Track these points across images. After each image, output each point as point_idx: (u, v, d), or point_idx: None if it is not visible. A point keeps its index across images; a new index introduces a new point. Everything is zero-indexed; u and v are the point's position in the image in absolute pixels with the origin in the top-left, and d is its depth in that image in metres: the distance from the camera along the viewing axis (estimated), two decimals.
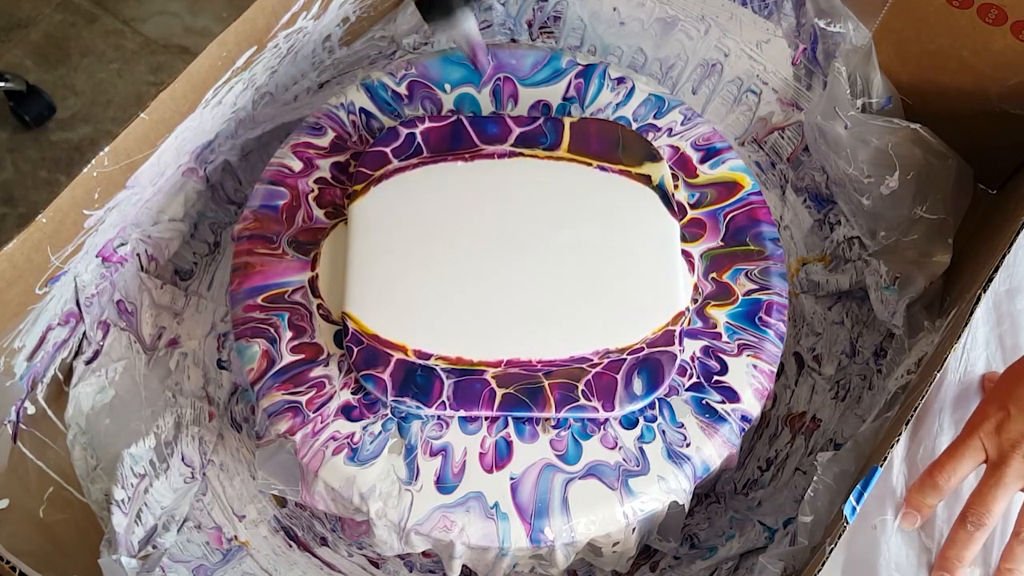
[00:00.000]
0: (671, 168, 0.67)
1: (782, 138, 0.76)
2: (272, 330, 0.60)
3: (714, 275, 0.63)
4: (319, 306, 0.61)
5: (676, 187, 0.66)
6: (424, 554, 0.65)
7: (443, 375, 0.57)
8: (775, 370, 0.61)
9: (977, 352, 0.58)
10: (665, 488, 0.56)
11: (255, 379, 0.59)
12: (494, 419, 0.58)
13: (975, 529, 0.51)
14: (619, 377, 0.58)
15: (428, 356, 0.58)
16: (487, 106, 0.69)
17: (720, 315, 0.62)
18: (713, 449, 0.58)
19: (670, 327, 0.59)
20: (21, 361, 0.59)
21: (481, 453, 0.57)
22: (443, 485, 0.56)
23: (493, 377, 0.58)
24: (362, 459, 0.56)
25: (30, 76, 1.24)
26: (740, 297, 0.63)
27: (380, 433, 0.57)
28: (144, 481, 0.61)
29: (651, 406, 0.58)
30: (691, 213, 0.66)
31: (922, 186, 0.67)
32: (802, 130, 0.75)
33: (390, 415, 0.58)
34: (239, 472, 0.66)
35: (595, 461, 0.57)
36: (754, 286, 0.63)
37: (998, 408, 0.52)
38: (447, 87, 0.70)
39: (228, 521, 0.64)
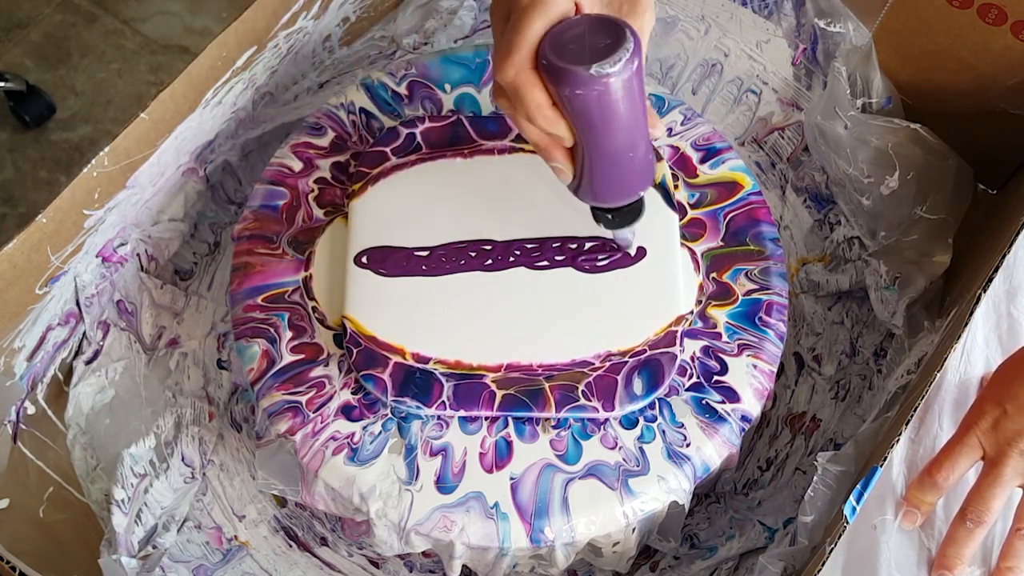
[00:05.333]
0: (671, 168, 0.67)
1: (782, 138, 0.76)
2: (272, 330, 0.60)
3: (714, 275, 0.63)
4: (314, 308, 0.61)
5: (676, 187, 0.66)
6: (424, 554, 0.65)
7: (442, 379, 0.57)
8: (775, 370, 0.61)
9: (977, 352, 0.58)
10: (665, 488, 0.56)
11: (255, 379, 0.59)
12: (494, 419, 0.58)
13: (974, 526, 0.51)
14: (619, 377, 0.58)
15: (427, 360, 0.58)
16: (487, 106, 0.69)
17: (720, 315, 0.62)
18: (713, 449, 0.58)
19: (672, 328, 0.59)
20: (21, 361, 0.59)
21: (481, 453, 0.57)
22: (443, 485, 0.56)
23: (493, 381, 0.58)
24: (362, 459, 0.56)
25: (30, 76, 1.24)
26: (740, 297, 0.63)
27: (380, 433, 0.57)
28: (144, 481, 0.61)
29: (651, 406, 0.58)
30: (691, 213, 0.66)
31: (922, 186, 0.67)
32: (802, 130, 0.75)
33: (390, 415, 0.58)
34: (239, 472, 0.66)
35: (595, 461, 0.57)
36: (754, 286, 0.63)
37: (994, 405, 0.52)
38: (447, 87, 0.70)
39: (228, 521, 0.64)
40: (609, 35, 0.46)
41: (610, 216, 0.56)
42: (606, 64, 0.45)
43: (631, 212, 0.56)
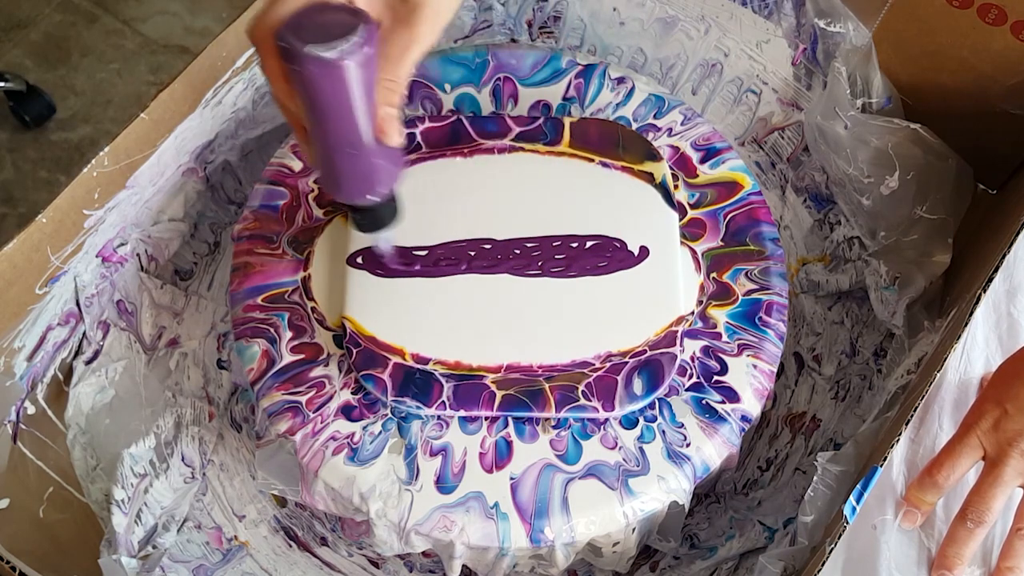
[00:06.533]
0: (671, 168, 0.67)
1: (782, 138, 0.76)
2: (272, 330, 0.60)
3: (714, 275, 0.63)
4: (313, 309, 0.61)
5: (676, 187, 0.66)
6: (424, 554, 0.65)
7: (442, 380, 0.57)
8: (775, 370, 0.61)
9: (977, 352, 0.58)
10: (665, 488, 0.56)
11: (255, 379, 0.59)
12: (494, 419, 0.58)
13: (975, 526, 0.51)
14: (619, 378, 0.58)
15: (426, 360, 0.58)
16: (487, 106, 0.69)
17: (720, 315, 0.62)
18: (713, 449, 0.58)
19: (672, 328, 0.59)
20: (21, 361, 0.59)
21: (481, 453, 0.57)
22: (443, 485, 0.56)
23: (493, 382, 0.58)
24: (362, 459, 0.56)
25: (30, 76, 1.24)
26: (740, 297, 0.63)
27: (380, 433, 0.57)
28: (144, 481, 0.61)
29: (651, 406, 0.58)
30: (691, 213, 0.66)
31: (922, 186, 0.67)
32: (802, 130, 0.75)
33: (390, 415, 0.58)
34: (239, 472, 0.66)
35: (595, 461, 0.57)
36: (754, 286, 0.63)
37: (995, 405, 0.52)
38: (447, 87, 0.70)
39: (228, 521, 0.64)
40: (347, 26, 0.46)
41: (356, 217, 0.56)
42: (321, 48, 0.45)
43: (373, 217, 0.55)
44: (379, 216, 0.56)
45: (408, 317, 0.59)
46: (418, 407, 0.57)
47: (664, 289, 0.61)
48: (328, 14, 0.46)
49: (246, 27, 0.48)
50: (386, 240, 0.59)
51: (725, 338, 0.61)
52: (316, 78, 0.46)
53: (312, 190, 0.65)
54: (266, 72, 0.48)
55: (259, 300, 0.61)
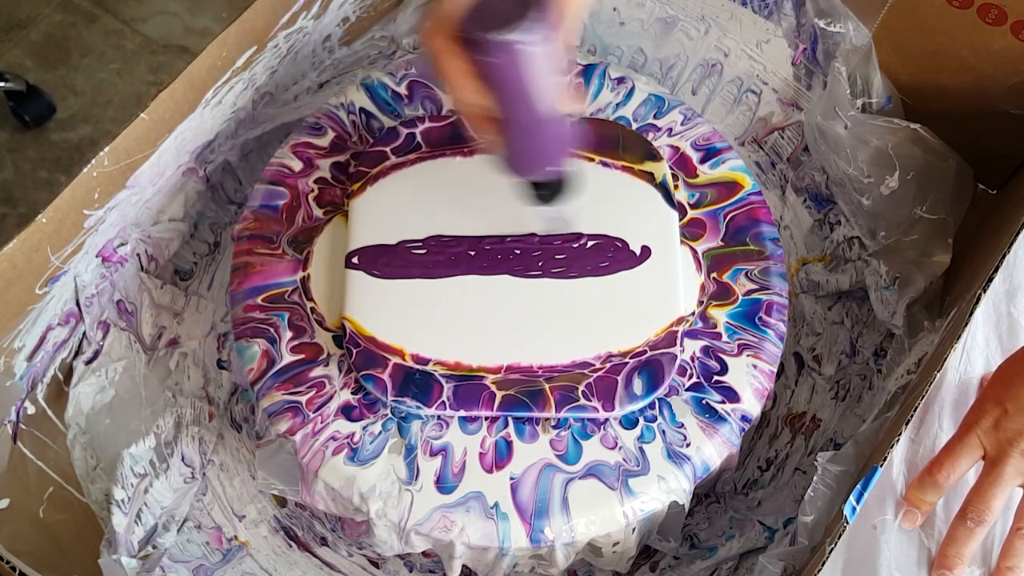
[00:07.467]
0: (671, 168, 0.67)
1: (782, 138, 0.76)
2: (272, 330, 0.60)
3: (714, 275, 0.63)
4: (312, 309, 0.61)
5: (676, 187, 0.66)
6: (424, 554, 0.65)
7: (442, 380, 0.57)
8: (775, 370, 0.61)
9: (977, 352, 0.58)
10: (665, 488, 0.56)
11: (255, 379, 0.59)
12: (494, 419, 0.58)
13: (975, 525, 0.51)
14: (619, 378, 0.58)
15: (426, 361, 0.58)
16: None
17: (720, 315, 0.62)
18: (713, 449, 0.58)
19: (673, 328, 0.59)
20: (21, 361, 0.59)
21: (481, 453, 0.57)
22: (443, 485, 0.56)
23: (493, 382, 0.57)
24: (362, 459, 0.56)
25: (30, 76, 1.24)
26: (740, 297, 0.63)
27: (380, 433, 0.57)
28: (144, 481, 0.61)
29: (651, 406, 0.58)
30: (691, 213, 0.66)
31: (922, 186, 0.67)
32: (802, 130, 0.75)
33: (390, 415, 0.58)
34: (239, 472, 0.66)
35: (595, 461, 0.57)
36: (754, 286, 0.63)
37: (995, 405, 0.52)
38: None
39: (228, 521, 0.64)
40: (523, 6, 0.46)
41: (541, 192, 0.57)
42: (506, 32, 0.46)
43: (557, 188, 0.56)
44: (563, 186, 0.57)
45: (408, 317, 0.59)
46: (418, 407, 0.57)
47: (664, 289, 0.60)
48: (499, 1, 0.47)
49: (419, 35, 0.48)
50: (566, 211, 0.59)
51: (725, 338, 0.61)
52: (507, 63, 0.47)
53: (312, 190, 0.65)
54: (445, 73, 0.48)
55: (259, 300, 0.61)
